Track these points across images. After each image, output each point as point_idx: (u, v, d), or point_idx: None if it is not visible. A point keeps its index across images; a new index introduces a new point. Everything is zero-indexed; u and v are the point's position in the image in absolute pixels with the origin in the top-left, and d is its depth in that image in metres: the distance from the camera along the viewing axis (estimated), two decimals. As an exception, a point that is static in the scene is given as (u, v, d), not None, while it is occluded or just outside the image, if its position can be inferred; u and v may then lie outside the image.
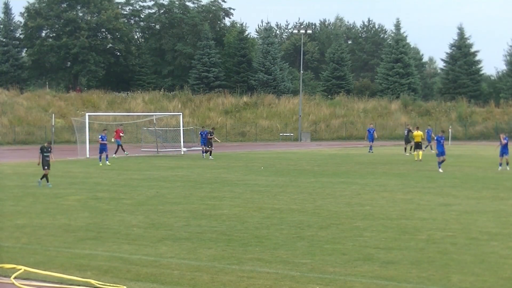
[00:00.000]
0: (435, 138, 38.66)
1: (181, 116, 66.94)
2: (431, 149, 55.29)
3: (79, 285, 13.25)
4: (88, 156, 52.37)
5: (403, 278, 13.42)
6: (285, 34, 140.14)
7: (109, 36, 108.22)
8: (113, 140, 54.14)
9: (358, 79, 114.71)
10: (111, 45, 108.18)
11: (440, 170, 36.92)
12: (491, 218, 20.55)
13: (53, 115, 59.23)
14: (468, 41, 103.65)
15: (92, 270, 14.25)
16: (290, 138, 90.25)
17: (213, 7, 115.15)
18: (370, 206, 23.37)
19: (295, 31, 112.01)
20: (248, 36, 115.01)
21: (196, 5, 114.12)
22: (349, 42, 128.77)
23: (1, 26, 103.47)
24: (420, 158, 46.40)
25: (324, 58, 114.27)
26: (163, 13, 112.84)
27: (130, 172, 39.36)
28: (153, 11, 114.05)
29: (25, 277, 13.87)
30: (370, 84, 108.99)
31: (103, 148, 44.89)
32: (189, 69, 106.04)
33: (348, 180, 32.81)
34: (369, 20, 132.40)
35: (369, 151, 56.49)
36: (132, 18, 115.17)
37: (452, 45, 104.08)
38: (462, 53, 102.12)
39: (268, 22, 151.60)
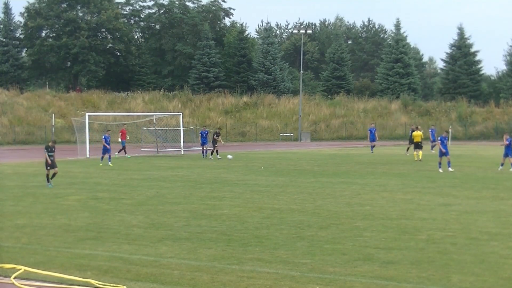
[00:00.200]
0: (439, 138, 38.59)
1: (181, 116, 66.94)
2: (432, 148, 55.30)
3: (79, 285, 13.25)
4: (88, 156, 52.40)
5: (403, 278, 13.42)
6: (285, 34, 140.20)
7: (109, 36, 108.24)
8: (119, 140, 54.34)
9: (358, 79, 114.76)
10: (111, 45, 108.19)
11: (440, 170, 36.93)
12: (491, 218, 20.55)
13: (53, 115, 59.25)
14: (468, 41, 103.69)
15: (92, 270, 14.25)
16: (290, 138, 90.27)
17: (213, 7, 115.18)
18: (370, 206, 23.37)
19: (295, 31, 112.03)
20: (248, 36, 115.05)
21: (196, 5, 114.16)
22: (349, 42, 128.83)
23: (1, 26, 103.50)
24: (420, 158, 46.38)
25: (324, 58, 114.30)
26: (163, 13, 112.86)
27: (130, 172, 39.36)
28: (153, 11, 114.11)
29: (25, 277, 13.88)
30: (370, 84, 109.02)
31: (106, 149, 44.79)
32: (189, 69, 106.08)
33: (348, 180, 32.81)
34: (369, 20, 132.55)
35: (374, 151, 56.38)
36: (132, 18, 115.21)
37: (452, 45, 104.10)
38: (462, 53, 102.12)
39: (268, 22, 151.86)
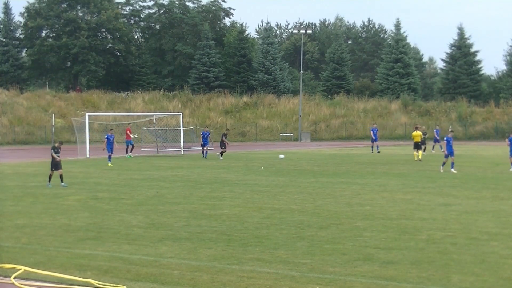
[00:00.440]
0: (445, 138, 38.52)
1: (181, 116, 66.95)
2: (441, 148, 55.22)
3: (79, 285, 13.25)
4: (88, 156, 52.39)
5: (403, 278, 13.42)
6: (285, 34, 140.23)
7: (109, 36, 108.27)
8: (135, 136, 54.56)
9: (358, 79, 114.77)
10: (111, 45, 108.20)
11: (441, 170, 36.89)
12: (491, 218, 20.55)
13: (53, 115, 59.28)
14: (468, 41, 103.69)
15: (92, 270, 14.25)
16: (290, 138, 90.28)
17: (213, 7, 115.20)
18: (370, 206, 23.37)
19: (295, 31, 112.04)
20: (248, 36, 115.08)
21: (196, 5, 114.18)
22: (349, 42, 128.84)
23: (1, 26, 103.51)
24: (420, 158, 46.37)
25: (324, 58, 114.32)
26: (163, 13, 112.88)
27: (130, 172, 39.36)
28: (153, 11, 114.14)
29: (25, 277, 13.87)
30: (370, 84, 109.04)
31: (110, 148, 44.75)
32: (189, 69, 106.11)
33: (348, 180, 32.81)
34: (369, 20, 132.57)
35: (375, 151, 56.29)
36: (132, 18, 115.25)
37: (452, 45, 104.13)
38: (462, 53, 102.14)
39: (268, 22, 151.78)
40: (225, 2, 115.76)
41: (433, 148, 56.86)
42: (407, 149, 56.33)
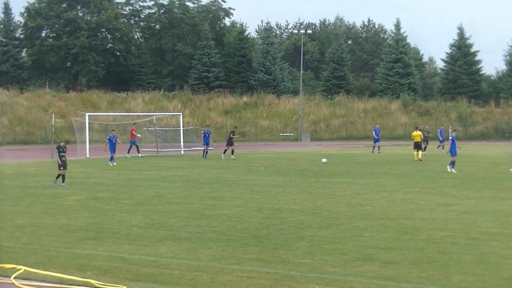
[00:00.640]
0: (450, 138, 38.46)
1: (181, 116, 66.94)
2: (442, 149, 55.24)
3: (79, 285, 13.25)
4: (88, 156, 52.38)
5: (403, 278, 13.41)
6: (285, 34, 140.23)
7: (109, 36, 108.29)
8: (139, 135, 54.64)
9: (358, 79, 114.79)
10: (111, 45, 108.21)
11: (454, 171, 36.53)
12: (491, 218, 20.54)
13: (53, 115, 59.22)
14: (468, 41, 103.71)
15: (92, 270, 14.25)
16: (290, 138, 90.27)
17: (213, 7, 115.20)
18: (370, 206, 23.36)
19: (295, 31, 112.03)
20: (248, 36, 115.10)
21: (196, 5, 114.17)
22: (349, 42, 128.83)
23: (1, 26, 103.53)
24: (420, 158, 46.36)
25: (324, 58, 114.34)
26: (163, 13, 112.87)
27: (130, 172, 39.36)
28: (153, 11, 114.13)
29: (25, 277, 13.87)
30: (370, 84, 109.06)
31: (112, 149, 44.70)
32: (189, 69, 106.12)
33: (348, 180, 32.81)
34: (369, 20, 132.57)
35: (375, 151, 56.24)
36: (132, 18, 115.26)
37: (452, 45, 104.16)
38: (462, 53, 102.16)
39: (268, 22, 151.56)
40: (225, 2, 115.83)
41: (437, 148, 56.83)
42: (407, 149, 56.34)
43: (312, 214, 21.55)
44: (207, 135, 52.87)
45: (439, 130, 58.45)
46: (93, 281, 13.30)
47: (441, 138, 56.87)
